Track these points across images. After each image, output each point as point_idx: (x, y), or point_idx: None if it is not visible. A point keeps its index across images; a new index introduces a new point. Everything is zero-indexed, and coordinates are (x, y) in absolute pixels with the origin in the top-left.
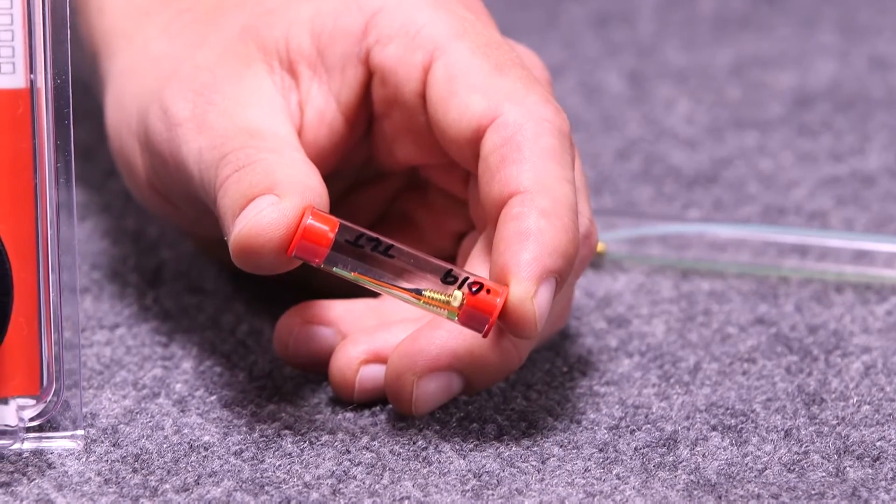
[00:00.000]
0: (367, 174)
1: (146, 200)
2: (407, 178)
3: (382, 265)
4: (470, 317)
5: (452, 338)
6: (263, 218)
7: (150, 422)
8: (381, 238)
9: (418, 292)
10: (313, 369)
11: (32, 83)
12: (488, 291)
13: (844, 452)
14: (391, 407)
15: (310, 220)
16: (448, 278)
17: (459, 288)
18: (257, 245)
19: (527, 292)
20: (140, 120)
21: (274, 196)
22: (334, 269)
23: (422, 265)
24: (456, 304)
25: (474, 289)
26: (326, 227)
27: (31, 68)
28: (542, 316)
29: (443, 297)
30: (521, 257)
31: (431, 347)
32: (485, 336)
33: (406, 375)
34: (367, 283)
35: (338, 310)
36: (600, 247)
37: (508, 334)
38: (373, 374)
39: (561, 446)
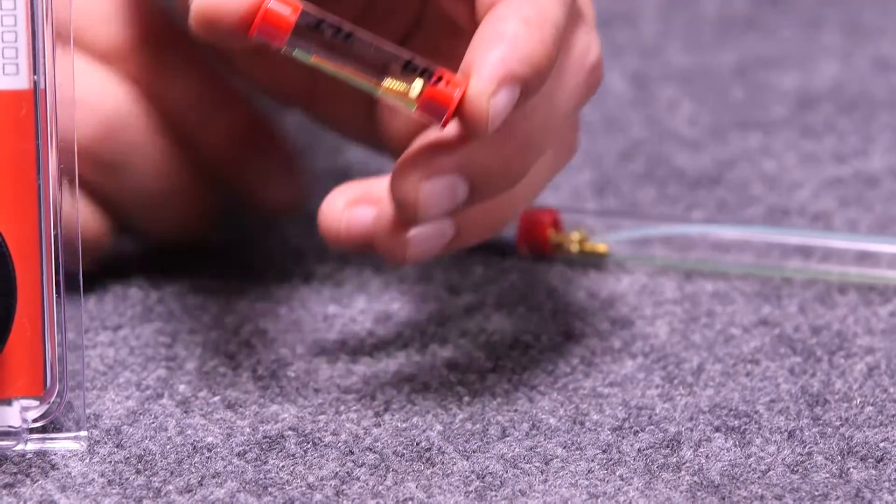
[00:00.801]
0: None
1: None
2: (415, 16)
3: (343, 51)
4: (428, 107)
5: (456, 142)
6: None
7: (153, 423)
8: (343, 25)
9: (378, 79)
10: (361, 251)
11: (36, 84)
12: (448, 83)
13: (848, 454)
14: (394, 408)
15: (272, 3)
16: (409, 67)
17: (420, 77)
18: (217, 16)
19: (485, 89)
20: None
21: None
22: (294, 52)
23: (383, 54)
24: (414, 93)
25: (434, 79)
26: (288, 10)
27: (35, 69)
28: (496, 116)
29: (402, 87)
30: (489, 55)
31: (436, 150)
32: (443, 127)
33: (411, 177)
34: (327, 68)
35: (380, 187)
36: (603, 247)
37: (513, 141)
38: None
39: (564, 447)
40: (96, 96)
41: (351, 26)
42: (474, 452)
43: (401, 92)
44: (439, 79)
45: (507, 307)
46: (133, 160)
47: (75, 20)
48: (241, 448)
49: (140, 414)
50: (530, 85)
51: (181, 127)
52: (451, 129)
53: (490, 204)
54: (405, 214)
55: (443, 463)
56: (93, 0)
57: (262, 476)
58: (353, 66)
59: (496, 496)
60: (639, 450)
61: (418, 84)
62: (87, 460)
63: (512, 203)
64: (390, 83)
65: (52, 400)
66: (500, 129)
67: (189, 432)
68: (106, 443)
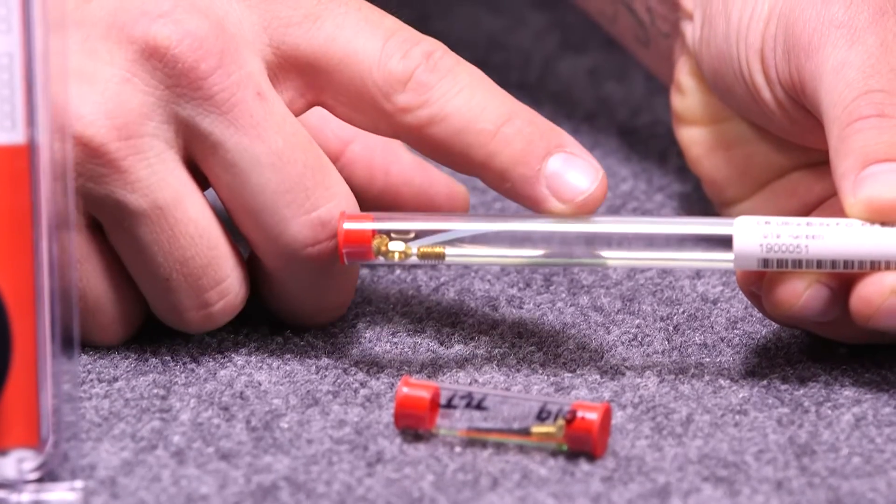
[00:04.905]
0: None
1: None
2: None
3: (483, 418)
4: (575, 441)
5: None
6: None
7: (148, 473)
8: (473, 392)
9: (526, 432)
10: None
11: (32, 138)
12: (583, 418)
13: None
14: (386, 458)
15: (405, 390)
16: (543, 415)
17: (556, 421)
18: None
19: None
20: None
21: None
22: (441, 431)
23: (516, 408)
24: (560, 434)
25: (569, 417)
26: (425, 394)
27: (31, 123)
28: None
29: (547, 430)
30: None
31: None
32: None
33: None
34: (476, 437)
35: None
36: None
37: None
38: None
39: (555, 497)
40: None
41: (481, 392)
42: (466, 502)
43: (548, 435)
44: (573, 416)
45: (497, 359)
46: None
47: (355, 57)
48: (235, 498)
49: (135, 465)
50: None
51: (466, 146)
52: None
53: None
54: None
55: None
56: (372, 38)
57: None
58: (498, 430)
59: None
60: (628, 500)
61: (560, 424)
62: None
63: None
64: (537, 430)
65: (47, 451)
66: None
67: (183, 483)
68: (101, 493)
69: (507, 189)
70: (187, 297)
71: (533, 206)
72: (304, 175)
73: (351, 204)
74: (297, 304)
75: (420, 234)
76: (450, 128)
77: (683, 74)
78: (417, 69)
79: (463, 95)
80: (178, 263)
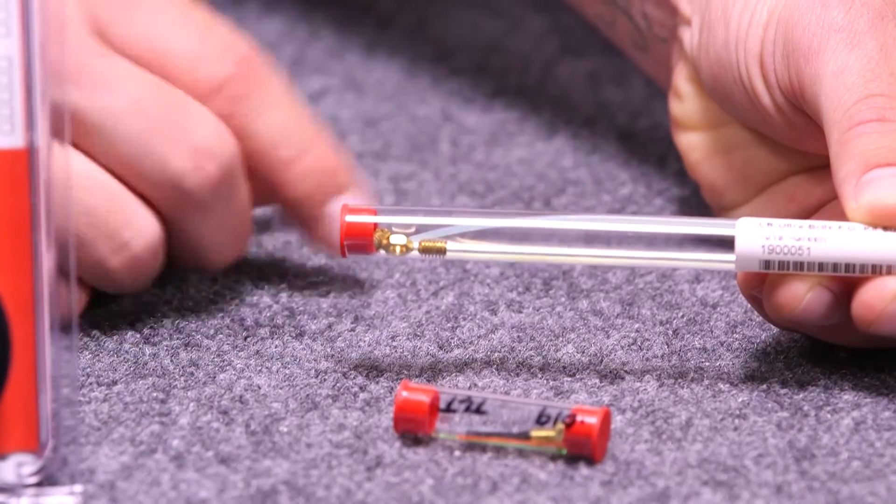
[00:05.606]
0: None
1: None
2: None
3: (482, 422)
4: (573, 444)
5: None
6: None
7: (147, 478)
8: (472, 396)
9: (525, 436)
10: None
11: (31, 142)
12: (582, 422)
13: None
14: (386, 462)
15: (405, 394)
16: (542, 419)
17: (555, 425)
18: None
19: None
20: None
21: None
22: (441, 435)
23: (515, 412)
24: (560, 438)
25: (568, 421)
26: (424, 398)
27: (30, 127)
28: None
29: (547, 434)
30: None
31: None
32: (596, 460)
33: None
34: (475, 441)
35: None
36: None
37: None
38: None
39: (554, 501)
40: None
41: (480, 396)
42: None
43: (547, 439)
44: (573, 420)
45: (496, 363)
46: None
47: (169, 58)
48: (234, 503)
49: (134, 469)
50: None
51: (264, 168)
52: None
53: None
54: None
55: None
56: (186, 37)
57: None
58: (497, 434)
59: None
60: None
61: (560, 428)
62: None
63: None
64: (536, 434)
65: (47, 455)
66: None
67: (183, 487)
68: (100, 498)
69: (292, 220)
70: (103, 244)
71: (311, 244)
72: (170, 111)
73: (221, 130)
74: (196, 243)
75: (421, 229)
76: (253, 146)
77: (681, 80)
78: (230, 78)
79: (271, 115)
80: (82, 216)
